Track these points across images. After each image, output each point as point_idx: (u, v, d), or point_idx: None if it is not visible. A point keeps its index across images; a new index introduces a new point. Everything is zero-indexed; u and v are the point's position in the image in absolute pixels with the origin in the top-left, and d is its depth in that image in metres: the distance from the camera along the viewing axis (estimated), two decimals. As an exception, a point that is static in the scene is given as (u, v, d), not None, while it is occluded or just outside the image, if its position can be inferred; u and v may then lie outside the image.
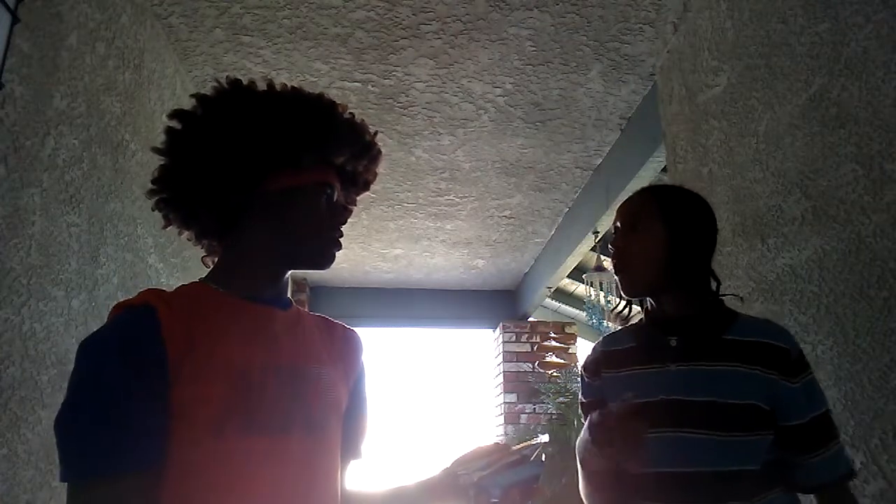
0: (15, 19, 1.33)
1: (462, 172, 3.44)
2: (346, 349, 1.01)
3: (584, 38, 2.36)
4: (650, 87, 2.63)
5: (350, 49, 2.42)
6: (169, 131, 0.92)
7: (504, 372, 5.26)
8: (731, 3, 1.93)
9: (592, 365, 1.28)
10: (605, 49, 2.42)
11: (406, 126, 2.96)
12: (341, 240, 0.96)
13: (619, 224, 1.22)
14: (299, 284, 5.25)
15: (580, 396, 1.33)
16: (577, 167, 3.37)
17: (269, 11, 2.20)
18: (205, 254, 1.00)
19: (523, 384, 5.18)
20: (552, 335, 5.38)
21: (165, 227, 0.96)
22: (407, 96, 2.73)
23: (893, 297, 1.28)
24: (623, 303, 1.29)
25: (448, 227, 4.20)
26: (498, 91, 2.70)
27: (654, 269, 1.15)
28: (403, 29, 2.31)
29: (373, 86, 2.65)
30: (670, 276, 1.14)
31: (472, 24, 2.29)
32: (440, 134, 3.03)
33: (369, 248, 4.56)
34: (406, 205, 3.85)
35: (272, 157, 0.89)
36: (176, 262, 2.38)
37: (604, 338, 1.31)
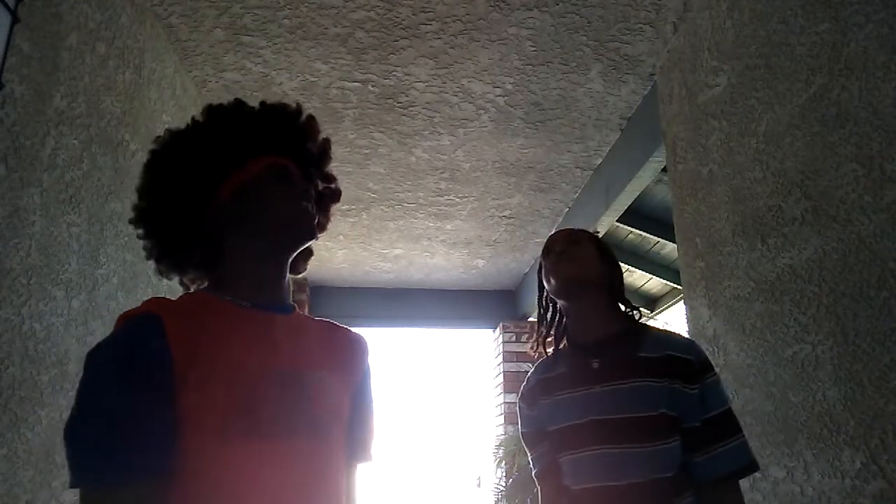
0: (15, 19, 1.33)
1: (462, 172, 3.43)
2: (350, 353, 1.02)
3: (584, 38, 2.36)
4: (650, 87, 2.63)
5: (350, 49, 2.42)
6: (139, 189, 0.98)
7: (504, 372, 5.26)
8: (731, 3, 1.93)
9: (529, 394, 1.38)
10: (605, 49, 2.42)
11: (406, 126, 2.96)
12: (311, 209, 0.98)
13: (559, 244, 1.38)
14: (299, 284, 5.24)
15: (520, 427, 1.42)
16: (577, 167, 3.37)
17: (269, 11, 2.20)
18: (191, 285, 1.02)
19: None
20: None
21: (167, 276, 1.01)
22: (407, 96, 2.73)
23: (893, 297, 1.28)
24: (545, 328, 1.43)
25: (448, 227, 4.19)
26: (498, 91, 2.70)
27: (593, 266, 1.33)
28: (403, 29, 2.31)
29: (373, 86, 2.65)
30: (602, 279, 1.33)
31: (472, 24, 2.29)
32: (440, 134, 3.03)
33: (369, 248, 4.56)
34: (406, 205, 3.84)
35: (212, 168, 0.94)
36: (176, 262, 2.37)
37: (537, 366, 1.41)
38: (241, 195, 0.94)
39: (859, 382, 1.36)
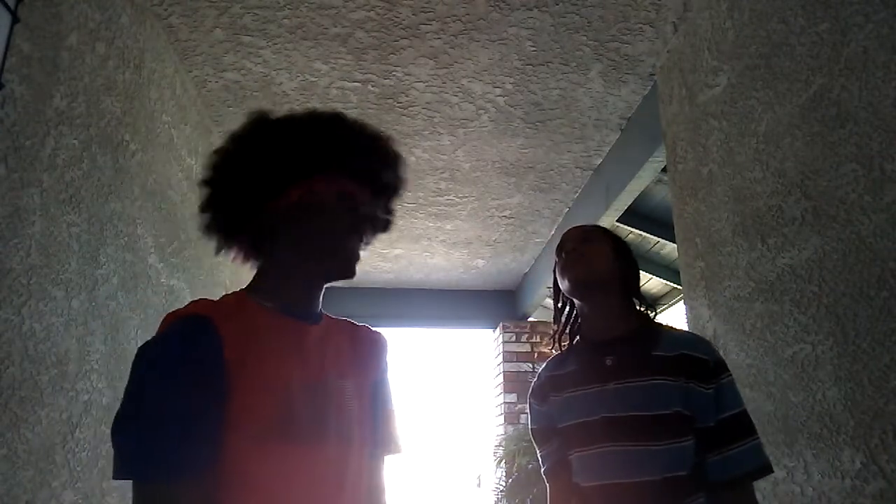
0: (15, 19, 1.33)
1: (462, 172, 3.44)
2: (369, 352, 1.05)
3: (584, 38, 2.36)
4: (650, 87, 2.63)
5: (350, 49, 2.42)
6: (208, 163, 0.99)
7: (504, 372, 5.25)
8: (731, 3, 1.93)
9: (540, 391, 1.37)
10: (605, 49, 2.42)
11: (406, 126, 2.96)
12: (361, 250, 0.99)
13: (572, 241, 1.38)
14: (299, 284, 5.24)
15: (530, 424, 1.41)
16: (577, 167, 3.37)
17: (269, 11, 2.20)
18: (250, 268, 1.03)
19: (523, 384, 5.17)
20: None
21: (217, 252, 1.01)
22: (407, 96, 2.73)
23: (893, 297, 1.28)
24: (560, 325, 1.42)
25: (448, 227, 4.19)
26: (498, 91, 2.70)
27: (606, 265, 1.31)
28: (403, 29, 2.31)
29: (373, 86, 2.65)
30: (616, 278, 1.31)
31: (472, 24, 2.29)
32: (440, 134, 3.03)
33: (369, 248, 4.55)
34: (406, 205, 3.84)
35: (284, 172, 0.94)
36: (176, 262, 2.37)
37: (547, 363, 1.41)
38: (305, 210, 0.95)
39: (859, 382, 1.36)
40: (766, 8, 1.75)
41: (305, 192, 0.95)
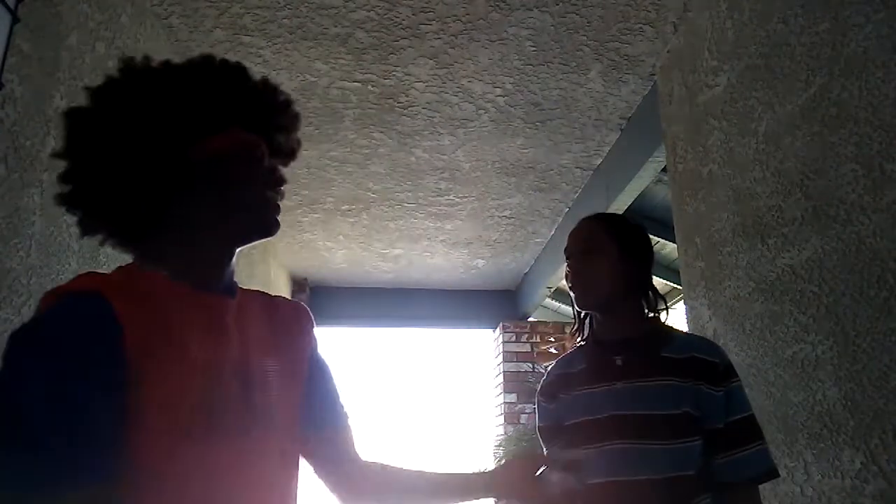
0: (15, 19, 1.33)
1: (462, 172, 3.43)
2: (296, 327, 0.95)
3: (584, 38, 2.36)
4: (650, 87, 2.63)
5: (350, 49, 2.42)
6: (68, 129, 0.83)
7: (504, 372, 5.25)
8: (731, 3, 1.93)
9: (549, 389, 1.38)
10: (605, 49, 2.42)
11: (406, 126, 2.95)
12: (280, 203, 0.89)
13: (573, 249, 1.35)
14: (299, 284, 5.24)
15: (537, 422, 1.41)
16: (577, 167, 3.37)
17: (269, 11, 2.20)
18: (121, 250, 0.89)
19: (523, 384, 5.18)
20: (552, 335, 5.38)
21: (83, 236, 0.86)
22: (407, 96, 2.73)
23: (893, 297, 1.28)
24: (577, 323, 1.41)
25: (448, 227, 4.19)
26: (498, 91, 2.70)
27: (609, 284, 1.28)
28: (403, 29, 2.31)
29: (373, 86, 2.65)
30: (622, 290, 1.29)
31: (472, 24, 2.29)
32: (440, 134, 3.03)
33: (369, 248, 4.56)
34: (406, 205, 3.84)
35: (186, 128, 0.81)
36: (176, 262, 2.37)
37: (557, 361, 1.42)
38: (216, 166, 0.82)
39: (859, 382, 1.36)
40: (766, 8, 1.75)
41: (211, 146, 0.82)
